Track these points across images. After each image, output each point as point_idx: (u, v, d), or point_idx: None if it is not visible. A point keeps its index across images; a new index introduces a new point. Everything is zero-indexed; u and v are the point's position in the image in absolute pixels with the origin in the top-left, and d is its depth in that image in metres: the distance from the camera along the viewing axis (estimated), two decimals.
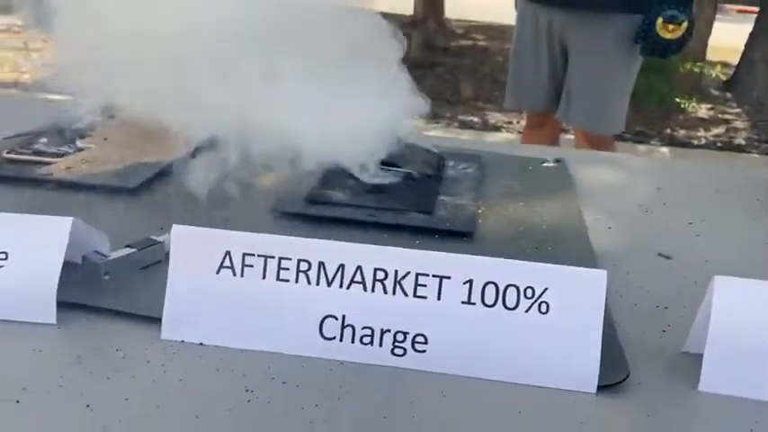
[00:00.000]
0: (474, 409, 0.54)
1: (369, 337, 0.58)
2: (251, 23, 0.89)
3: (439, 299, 0.57)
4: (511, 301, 0.57)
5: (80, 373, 0.55)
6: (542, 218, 0.88)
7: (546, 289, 0.57)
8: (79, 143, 1.01)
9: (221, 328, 0.59)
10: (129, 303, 0.64)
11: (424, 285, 0.58)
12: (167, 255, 0.63)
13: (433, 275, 0.58)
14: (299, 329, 0.59)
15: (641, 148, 4.06)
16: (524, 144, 2.10)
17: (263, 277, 0.59)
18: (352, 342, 0.58)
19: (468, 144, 1.32)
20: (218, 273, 0.59)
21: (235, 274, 0.59)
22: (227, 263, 0.59)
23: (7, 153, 0.97)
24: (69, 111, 1.04)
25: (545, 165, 1.08)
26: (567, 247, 0.81)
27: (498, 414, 0.53)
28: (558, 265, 0.57)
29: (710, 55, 5.67)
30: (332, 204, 0.87)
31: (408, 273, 0.58)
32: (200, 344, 0.59)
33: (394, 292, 0.58)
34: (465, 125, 4.30)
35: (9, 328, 0.60)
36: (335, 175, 0.92)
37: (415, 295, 0.58)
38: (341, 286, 0.58)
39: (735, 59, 5.79)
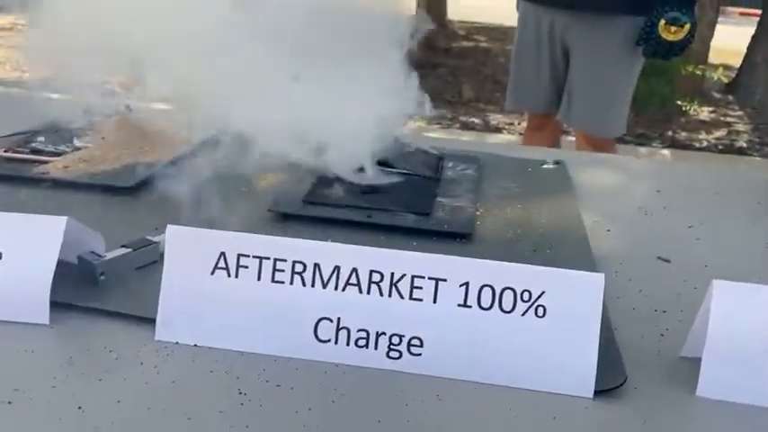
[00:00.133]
0: (470, 414, 0.53)
1: (364, 340, 0.58)
2: (250, 22, 0.89)
3: (435, 302, 0.57)
4: (507, 305, 0.56)
5: (72, 374, 0.55)
6: (541, 220, 0.88)
7: (543, 292, 0.56)
8: (77, 142, 1.01)
9: (216, 329, 0.59)
10: (123, 304, 0.63)
11: (420, 288, 0.57)
12: (163, 255, 0.62)
13: (429, 278, 0.57)
14: (293, 331, 0.58)
15: (642, 150, 4.05)
16: (525, 145, 2.09)
17: (258, 279, 0.59)
18: (348, 345, 0.58)
19: (467, 145, 1.31)
20: (212, 274, 0.59)
21: (229, 276, 0.59)
22: (221, 264, 0.59)
23: (4, 151, 0.97)
24: (67, 109, 1.04)
25: (544, 166, 1.08)
26: (566, 249, 0.80)
27: (494, 418, 0.53)
28: (554, 269, 0.57)
29: (712, 57, 5.65)
30: (329, 205, 0.86)
31: (404, 275, 0.57)
32: (195, 345, 0.59)
33: (390, 295, 0.57)
34: (466, 126, 4.29)
35: (1, 328, 0.59)
36: (333, 176, 0.92)
37: (410, 298, 0.57)
38: (336, 288, 0.58)
39: (737, 62, 5.77)
